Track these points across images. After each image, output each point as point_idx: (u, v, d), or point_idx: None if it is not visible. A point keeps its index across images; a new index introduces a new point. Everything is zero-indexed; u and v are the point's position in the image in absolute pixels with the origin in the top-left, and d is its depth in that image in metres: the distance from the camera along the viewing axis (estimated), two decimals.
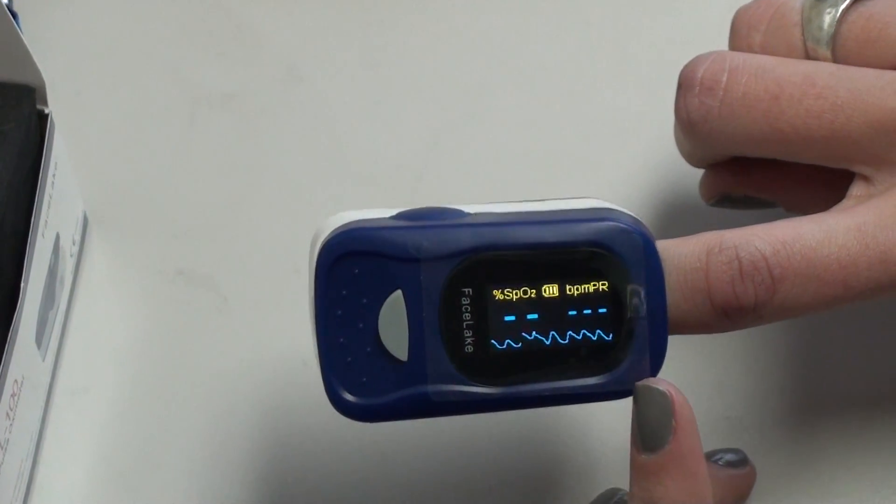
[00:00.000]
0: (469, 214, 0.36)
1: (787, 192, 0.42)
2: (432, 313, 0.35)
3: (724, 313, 0.36)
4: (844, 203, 0.38)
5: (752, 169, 0.42)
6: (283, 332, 0.46)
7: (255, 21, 0.51)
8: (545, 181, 0.48)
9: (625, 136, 0.49)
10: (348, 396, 0.35)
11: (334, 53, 0.51)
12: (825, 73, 0.39)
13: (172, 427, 0.45)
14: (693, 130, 0.40)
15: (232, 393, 0.45)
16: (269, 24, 0.51)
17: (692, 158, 0.43)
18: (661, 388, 0.35)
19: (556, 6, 0.51)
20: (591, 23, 0.51)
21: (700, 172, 0.43)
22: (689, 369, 0.45)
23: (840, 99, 0.38)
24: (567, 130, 0.49)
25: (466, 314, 0.35)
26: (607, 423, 0.44)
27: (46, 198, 0.42)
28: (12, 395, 0.40)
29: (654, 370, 0.35)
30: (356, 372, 0.35)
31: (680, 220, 0.47)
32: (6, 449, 0.40)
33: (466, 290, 0.35)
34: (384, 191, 0.48)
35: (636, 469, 0.35)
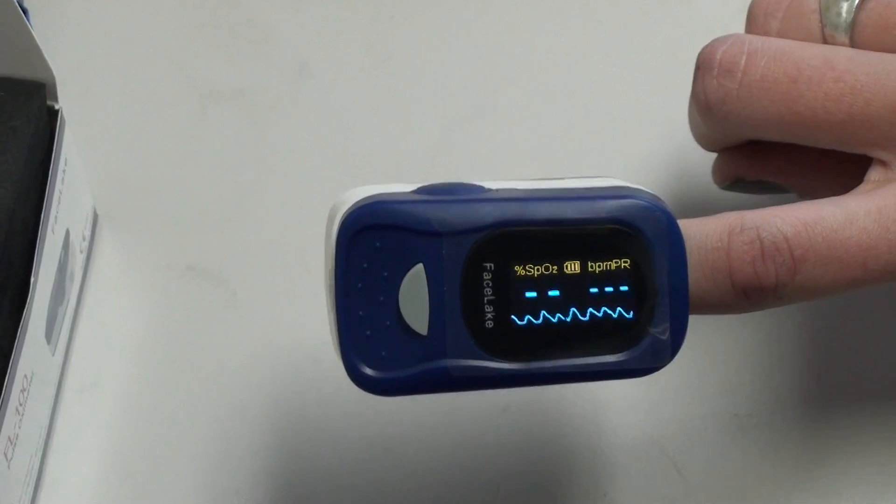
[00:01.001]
0: (490, 190, 0.36)
1: (801, 177, 0.42)
2: (453, 288, 0.34)
3: (744, 293, 0.36)
4: (863, 187, 0.38)
5: (766, 153, 0.42)
6: (292, 326, 0.46)
7: (265, 16, 0.51)
8: (556, 172, 0.48)
9: (635, 123, 0.49)
10: (367, 370, 0.34)
11: (344, 49, 0.51)
12: (844, 57, 0.38)
13: (182, 421, 0.45)
14: (710, 112, 0.40)
15: (241, 387, 0.45)
16: (279, 20, 0.51)
17: (706, 141, 0.43)
18: None
19: None
20: (601, 11, 0.51)
21: (712, 156, 0.43)
22: (698, 364, 0.45)
23: (859, 83, 0.38)
24: (576, 120, 0.49)
25: (487, 289, 0.34)
26: (615, 419, 0.44)
27: (56, 193, 0.42)
28: (22, 391, 0.40)
29: (675, 349, 0.35)
30: (375, 345, 0.34)
31: (691, 206, 0.47)
32: (16, 444, 0.40)
33: (488, 264, 0.34)
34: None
35: None
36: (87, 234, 0.47)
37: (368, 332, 0.35)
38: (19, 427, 0.40)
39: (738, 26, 0.41)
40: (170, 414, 0.45)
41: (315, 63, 0.50)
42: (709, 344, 0.45)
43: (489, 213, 0.34)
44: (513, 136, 0.49)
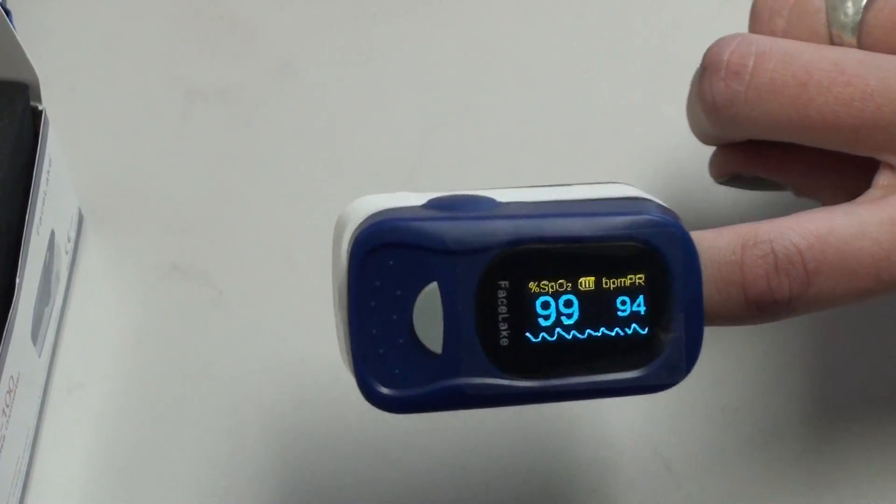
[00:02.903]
0: (502, 204, 0.35)
1: (799, 175, 0.41)
2: (468, 306, 0.34)
3: (758, 307, 0.36)
4: (872, 193, 0.38)
5: (764, 150, 0.41)
6: (278, 325, 0.46)
7: (248, 15, 0.51)
8: (542, 171, 0.48)
9: (623, 121, 0.49)
10: (381, 388, 0.34)
11: (329, 47, 0.51)
12: (854, 61, 0.38)
13: (169, 422, 0.45)
14: (717, 114, 0.39)
15: (228, 386, 0.45)
16: (263, 19, 0.51)
17: (707, 138, 0.42)
18: None
19: None
20: (583, 6, 0.51)
21: (707, 152, 0.43)
22: None
23: (870, 87, 0.38)
24: (563, 117, 0.49)
25: (502, 307, 0.34)
26: (605, 415, 0.44)
27: (41, 194, 0.42)
28: (8, 392, 0.40)
29: (690, 364, 0.35)
30: (389, 363, 0.34)
31: (686, 203, 0.47)
32: (2, 446, 0.40)
33: (503, 282, 0.34)
34: (379, 184, 0.48)
35: None
36: (73, 234, 0.47)
37: (382, 351, 0.34)
38: (6, 428, 0.40)
39: (726, 18, 0.41)
40: (157, 414, 0.45)
41: (299, 61, 0.50)
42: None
43: (504, 232, 0.34)
44: (498, 134, 0.49)
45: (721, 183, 0.43)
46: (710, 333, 0.44)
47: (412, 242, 0.34)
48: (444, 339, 0.34)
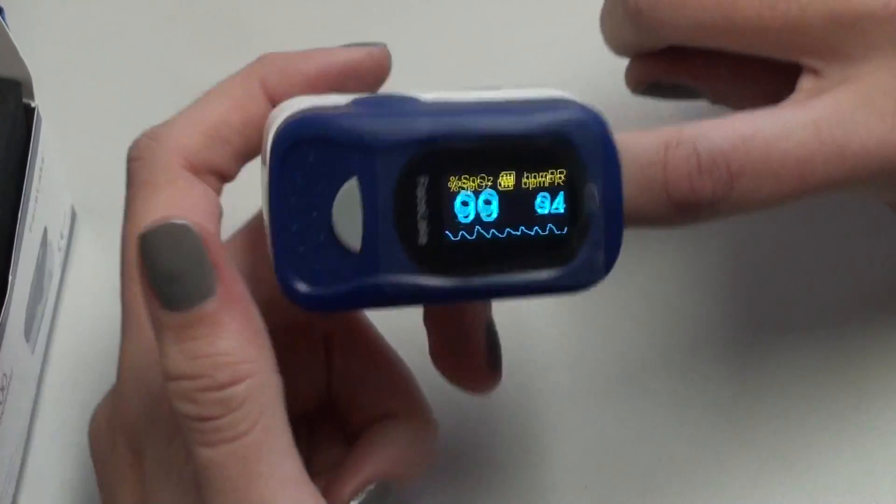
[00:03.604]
0: (426, 102, 0.35)
1: (718, 81, 0.41)
2: (387, 203, 0.34)
3: (680, 208, 0.36)
4: (796, 96, 0.38)
5: (683, 57, 0.41)
6: None
7: (242, 13, 0.51)
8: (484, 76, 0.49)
9: (541, 34, 0.49)
10: (300, 285, 0.34)
11: (323, 42, 0.50)
12: None
13: None
14: (640, 19, 0.39)
15: None
16: (257, 16, 0.51)
17: (626, 48, 0.42)
18: (181, 222, 0.32)
19: None
20: None
21: (623, 64, 0.43)
22: (680, 361, 0.45)
23: None
24: (504, 27, 0.50)
25: (421, 204, 0.34)
26: (593, 408, 0.44)
27: (34, 192, 0.42)
28: (1, 390, 0.40)
29: (609, 264, 0.35)
30: (309, 261, 0.34)
31: (611, 108, 0.47)
32: None
33: (422, 179, 0.34)
34: None
35: (172, 330, 0.32)
36: (66, 231, 0.47)
37: (302, 248, 0.34)
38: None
39: None
40: None
41: None
42: (689, 331, 0.45)
43: (423, 127, 0.34)
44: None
45: (638, 93, 0.43)
46: (713, 338, 0.44)
47: (331, 138, 0.34)
48: (363, 236, 0.34)
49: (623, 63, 0.43)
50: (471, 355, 0.39)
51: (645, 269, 0.46)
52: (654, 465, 0.44)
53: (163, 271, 0.32)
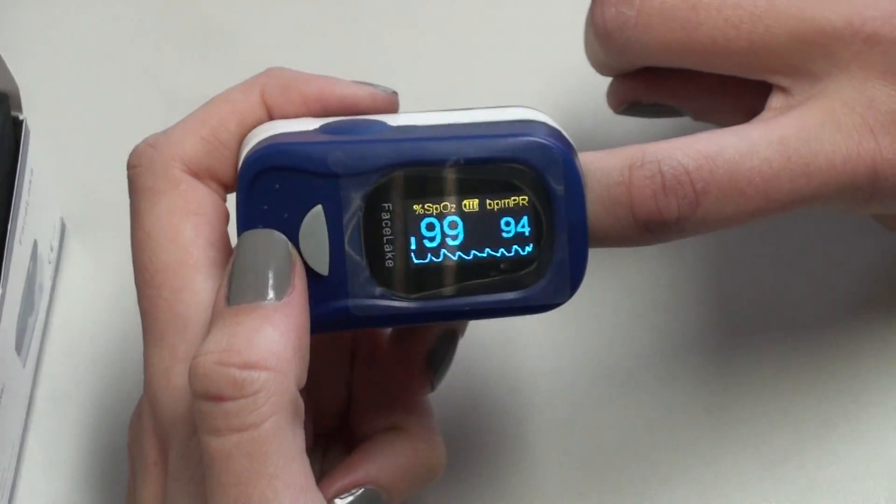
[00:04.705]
0: (392, 127, 0.36)
1: (697, 99, 0.42)
2: (353, 228, 0.35)
3: (646, 227, 0.36)
4: (764, 115, 0.38)
5: (661, 77, 0.41)
6: None
7: (228, 21, 0.51)
8: (467, 95, 0.49)
9: (533, 51, 0.49)
10: None
11: (309, 52, 0.51)
12: None
13: None
14: (609, 40, 0.39)
15: None
16: (243, 25, 0.51)
17: (603, 68, 0.42)
18: (279, 235, 0.34)
19: None
20: None
21: (607, 81, 0.43)
22: (671, 365, 0.45)
23: (759, 8, 0.38)
24: (483, 40, 0.50)
25: (387, 229, 0.35)
26: (586, 418, 0.44)
27: (23, 204, 0.42)
28: None
29: (574, 285, 0.35)
30: None
31: (589, 133, 0.47)
32: None
33: (386, 205, 0.35)
34: None
35: (226, 317, 0.33)
36: (55, 244, 0.47)
37: None
38: None
39: None
40: None
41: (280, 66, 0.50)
42: (680, 337, 0.45)
43: (385, 154, 0.34)
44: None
45: (620, 113, 0.43)
46: (701, 344, 0.44)
47: (296, 166, 0.34)
48: (330, 261, 0.35)
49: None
50: (411, 351, 0.39)
51: (633, 273, 0.46)
52: (646, 470, 0.44)
53: (247, 267, 0.34)
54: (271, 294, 0.33)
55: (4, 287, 0.40)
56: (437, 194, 0.35)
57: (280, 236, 0.34)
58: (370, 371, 0.40)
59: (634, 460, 0.44)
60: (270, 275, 0.34)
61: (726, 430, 0.44)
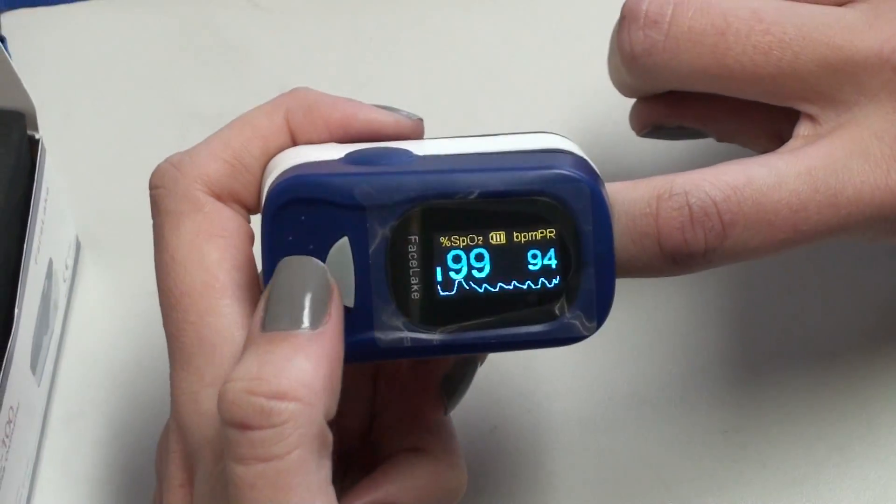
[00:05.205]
0: (418, 157, 0.36)
1: (721, 122, 0.41)
2: (379, 260, 0.34)
3: (673, 259, 0.36)
4: (792, 144, 0.38)
5: (685, 100, 0.41)
6: None
7: (244, 39, 0.51)
8: (485, 117, 0.49)
9: (561, 65, 0.49)
10: None
11: (324, 70, 0.51)
12: (772, 9, 0.38)
13: None
14: (636, 64, 0.39)
15: None
16: (259, 42, 0.51)
17: (627, 89, 0.42)
18: (319, 263, 0.34)
19: None
20: None
21: (629, 103, 0.43)
22: (685, 381, 0.45)
23: (788, 35, 0.38)
24: (505, 65, 0.50)
25: (413, 261, 0.35)
26: (601, 437, 0.44)
27: (39, 223, 0.42)
28: (8, 422, 0.40)
29: (601, 318, 0.35)
30: None
31: (611, 155, 0.47)
32: (2, 476, 0.40)
33: (413, 237, 0.34)
34: None
35: (259, 344, 0.33)
36: (70, 262, 0.47)
37: None
38: (6, 459, 0.40)
39: None
40: (156, 441, 0.45)
41: (295, 85, 0.50)
42: (696, 358, 0.45)
43: (412, 187, 0.34)
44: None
45: (643, 135, 0.43)
46: (713, 354, 0.44)
47: (322, 198, 0.34)
48: (356, 293, 0.34)
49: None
50: (428, 373, 0.39)
51: (649, 297, 0.46)
52: (661, 493, 0.44)
53: (285, 293, 0.33)
54: (307, 322, 0.33)
55: (20, 306, 0.40)
56: (463, 227, 0.34)
57: (319, 264, 0.34)
58: (391, 391, 0.40)
59: (651, 482, 0.44)
60: (307, 302, 0.33)
61: (743, 453, 0.44)
